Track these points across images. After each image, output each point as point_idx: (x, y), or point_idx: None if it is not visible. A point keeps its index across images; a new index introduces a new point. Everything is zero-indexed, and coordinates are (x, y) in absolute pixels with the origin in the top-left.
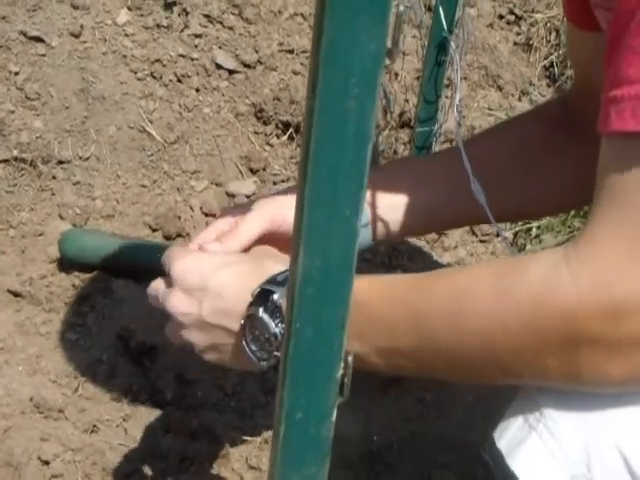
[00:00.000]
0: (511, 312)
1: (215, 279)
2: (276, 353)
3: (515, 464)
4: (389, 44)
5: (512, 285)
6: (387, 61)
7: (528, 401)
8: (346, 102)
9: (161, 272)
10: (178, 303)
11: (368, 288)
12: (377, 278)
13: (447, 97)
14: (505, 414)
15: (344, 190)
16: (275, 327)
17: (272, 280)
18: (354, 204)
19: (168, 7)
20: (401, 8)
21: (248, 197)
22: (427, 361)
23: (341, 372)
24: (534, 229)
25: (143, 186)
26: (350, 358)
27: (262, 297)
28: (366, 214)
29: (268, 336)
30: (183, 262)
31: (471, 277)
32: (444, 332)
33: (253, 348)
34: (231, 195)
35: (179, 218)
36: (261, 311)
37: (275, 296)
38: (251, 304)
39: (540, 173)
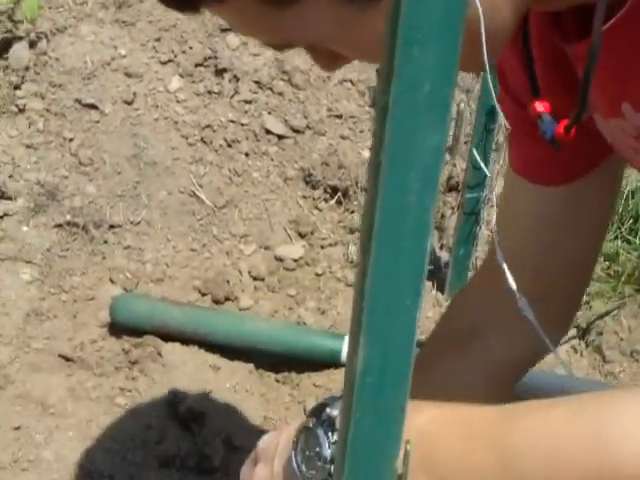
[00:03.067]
0: (609, 464)
1: None
2: (326, 467)
3: None
4: (450, 141)
5: (610, 435)
6: (447, 157)
7: None
8: (406, 197)
9: (208, 337)
10: None
11: (439, 417)
12: (452, 407)
13: (496, 161)
14: None
15: (404, 281)
16: (327, 443)
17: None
18: (414, 294)
19: (219, 74)
20: (462, 106)
21: (296, 261)
22: None
23: (400, 461)
24: (584, 296)
25: (192, 250)
26: (409, 446)
27: (317, 411)
28: None
29: (319, 450)
30: None
31: (563, 420)
32: (535, 474)
33: (303, 469)
34: (279, 259)
35: (228, 282)
36: (314, 423)
37: (329, 409)
38: (307, 417)
39: None
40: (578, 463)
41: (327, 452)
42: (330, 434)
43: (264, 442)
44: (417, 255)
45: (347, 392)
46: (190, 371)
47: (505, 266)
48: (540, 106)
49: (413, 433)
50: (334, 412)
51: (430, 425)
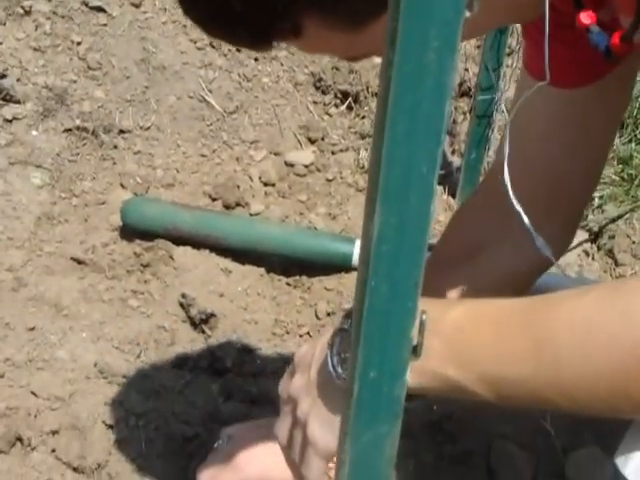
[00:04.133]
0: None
1: None
2: None
3: None
4: None
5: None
6: (467, 13)
7: None
8: (425, 55)
9: (220, 241)
10: None
11: (469, 312)
12: (480, 302)
13: (508, 66)
14: (627, 435)
15: (422, 146)
16: None
17: None
18: (431, 161)
19: None
20: None
21: (307, 167)
22: (541, 390)
23: (416, 331)
24: (596, 199)
25: (202, 155)
26: (424, 316)
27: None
28: None
29: None
30: None
31: (597, 303)
32: (569, 361)
33: (339, 370)
34: (289, 164)
35: (238, 187)
36: (349, 325)
37: None
38: (342, 318)
39: None
40: (614, 341)
41: None
42: None
43: (300, 353)
44: (436, 119)
45: (363, 261)
46: (201, 274)
47: (508, 184)
48: (586, 18)
49: (447, 328)
50: None
51: (463, 319)
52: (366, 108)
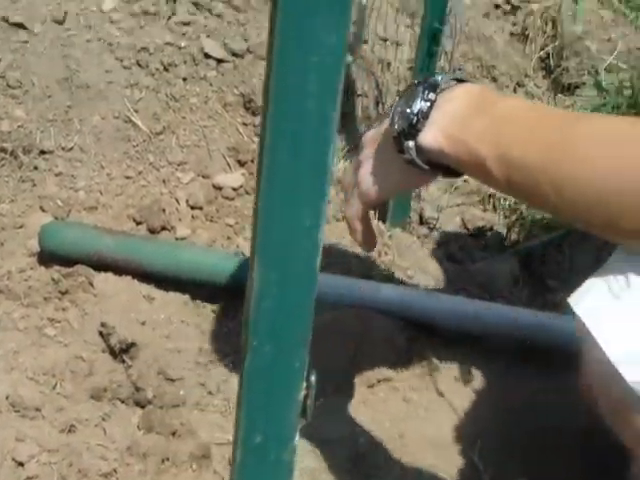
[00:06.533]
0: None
1: None
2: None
3: (597, 333)
4: (351, 38)
5: None
6: (349, 58)
7: (614, 271)
8: (304, 102)
9: (143, 267)
10: None
11: (518, 102)
12: (531, 103)
13: None
14: (585, 282)
15: (304, 199)
16: (420, 97)
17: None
18: (315, 214)
19: None
20: (364, 1)
21: (235, 190)
22: (546, 181)
23: (304, 393)
24: (528, 224)
25: (127, 177)
26: (313, 378)
27: (425, 79)
28: None
29: (411, 103)
30: None
31: (625, 124)
32: (597, 155)
33: (395, 119)
34: (218, 187)
35: (164, 211)
36: (418, 82)
37: (437, 76)
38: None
39: None
40: (623, 157)
41: (417, 104)
42: (427, 92)
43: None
44: (318, 171)
45: (245, 318)
46: (123, 302)
47: None
48: None
49: (496, 112)
50: (439, 78)
51: (511, 109)
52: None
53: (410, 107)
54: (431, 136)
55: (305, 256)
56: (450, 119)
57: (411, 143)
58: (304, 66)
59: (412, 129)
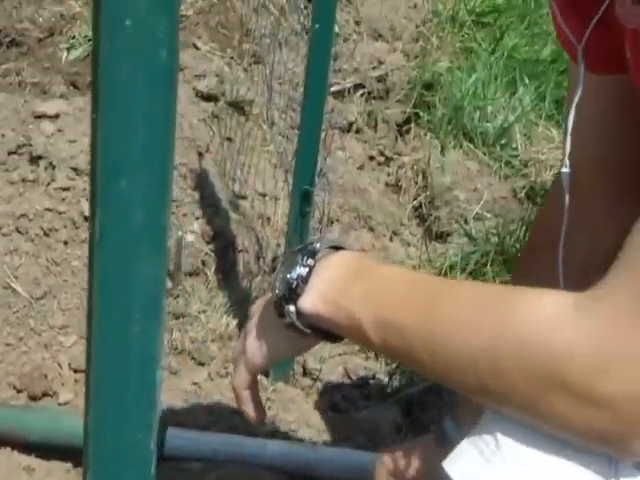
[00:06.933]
0: (509, 338)
1: None
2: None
3: None
4: (171, 267)
5: (517, 316)
6: (169, 284)
7: (485, 431)
8: (129, 327)
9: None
10: None
11: (395, 270)
12: (407, 270)
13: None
14: (459, 445)
15: (134, 414)
16: (299, 264)
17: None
18: (146, 427)
19: (34, 161)
20: (179, 233)
21: None
22: (417, 345)
23: None
24: (407, 372)
25: (8, 344)
26: None
27: (305, 245)
28: None
29: (291, 269)
30: None
31: (480, 297)
32: (446, 326)
33: (276, 285)
34: None
35: (45, 376)
36: (296, 250)
37: (315, 243)
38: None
39: None
40: (483, 329)
41: (296, 270)
42: (305, 259)
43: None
44: (146, 389)
45: None
46: (1, 475)
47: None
48: None
49: (373, 279)
50: (317, 245)
51: (388, 277)
52: (179, 287)
53: (290, 273)
54: (309, 301)
55: (138, 471)
56: (328, 285)
57: (292, 307)
58: (128, 296)
59: (292, 293)
